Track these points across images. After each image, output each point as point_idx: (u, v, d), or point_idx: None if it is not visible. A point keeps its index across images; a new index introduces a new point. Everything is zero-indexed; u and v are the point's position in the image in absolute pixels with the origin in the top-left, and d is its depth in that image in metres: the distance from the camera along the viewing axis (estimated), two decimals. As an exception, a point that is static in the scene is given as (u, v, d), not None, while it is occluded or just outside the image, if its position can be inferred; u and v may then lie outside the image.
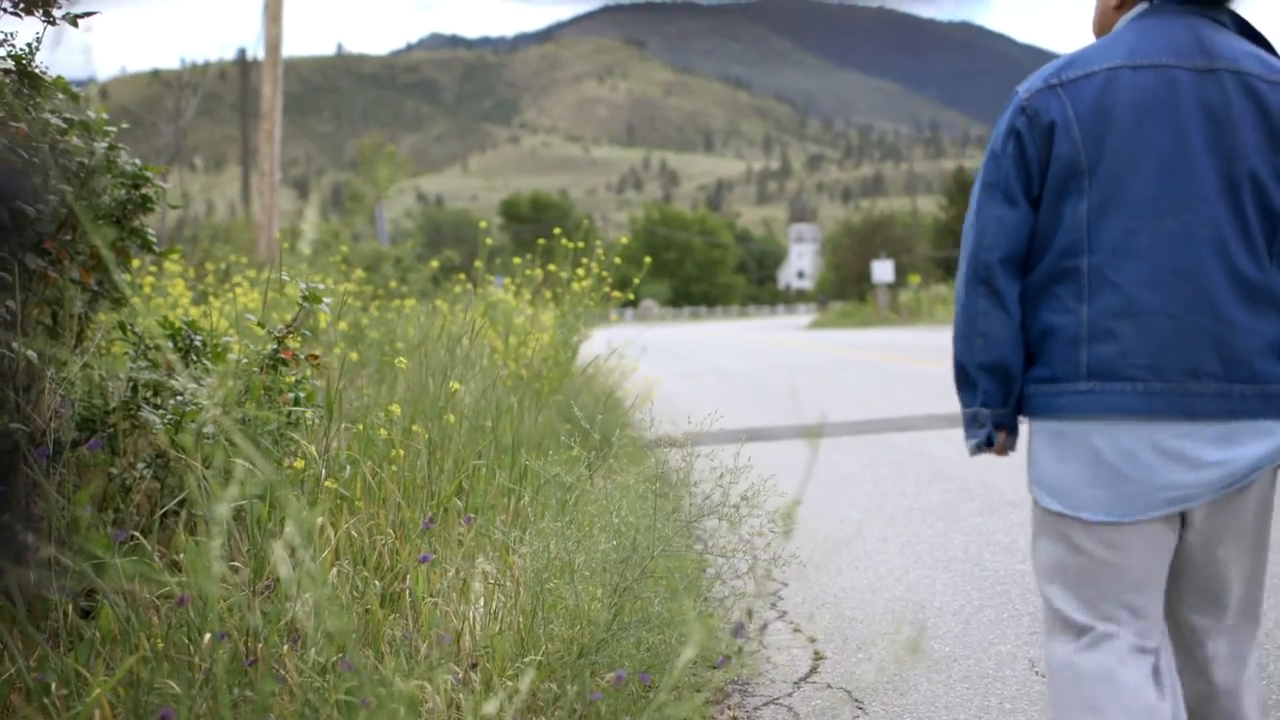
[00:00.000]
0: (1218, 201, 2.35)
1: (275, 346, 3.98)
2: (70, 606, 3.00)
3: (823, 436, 9.85)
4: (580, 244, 8.90)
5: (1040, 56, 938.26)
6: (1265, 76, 2.38)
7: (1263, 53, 2.44)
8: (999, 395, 2.49)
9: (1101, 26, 2.63)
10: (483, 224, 9.80)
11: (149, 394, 3.85)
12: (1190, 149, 2.36)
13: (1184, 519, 2.42)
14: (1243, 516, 2.42)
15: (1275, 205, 2.37)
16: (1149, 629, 2.43)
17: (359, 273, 11.61)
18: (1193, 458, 2.34)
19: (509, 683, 2.99)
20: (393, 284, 14.95)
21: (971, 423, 2.55)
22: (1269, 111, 2.36)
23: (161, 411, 3.75)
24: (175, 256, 4.97)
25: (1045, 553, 2.51)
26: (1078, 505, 2.41)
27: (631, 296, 9.45)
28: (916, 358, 22.62)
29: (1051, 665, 2.53)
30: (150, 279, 8.35)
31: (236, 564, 3.25)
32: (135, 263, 4.57)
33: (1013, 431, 2.54)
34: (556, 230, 9.04)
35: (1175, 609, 2.52)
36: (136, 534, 3.27)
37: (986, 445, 2.54)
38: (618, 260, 9.04)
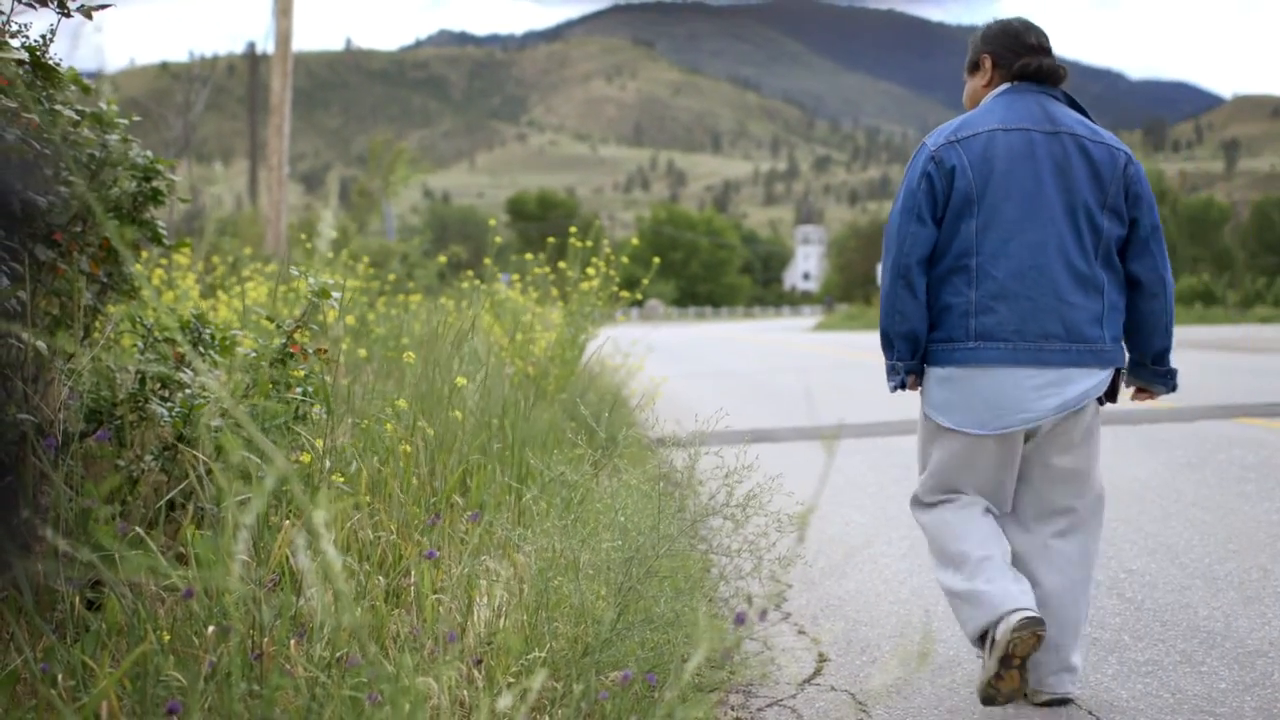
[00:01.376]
0: (1061, 221, 3.51)
1: (284, 341, 3.98)
2: (77, 598, 3.00)
3: (827, 439, 9.84)
4: (589, 243, 8.90)
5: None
6: (1090, 138, 3.58)
7: (1086, 120, 3.65)
8: (910, 352, 3.64)
9: (972, 100, 3.83)
10: (491, 221, 9.81)
11: (157, 386, 3.86)
12: (1043, 186, 3.51)
13: (1031, 435, 3.58)
14: (1072, 433, 3.59)
15: (1099, 224, 3.54)
16: (999, 505, 3.68)
17: (364, 268, 11.60)
18: (1042, 392, 3.49)
19: (515, 680, 2.99)
20: (392, 278, 14.94)
21: (891, 372, 3.69)
22: (1093, 161, 3.55)
23: (169, 404, 3.76)
24: (185, 250, 4.96)
25: (935, 455, 3.69)
26: (963, 423, 3.56)
27: (639, 296, 9.45)
28: (922, 361, 22.60)
29: (928, 524, 3.74)
30: (160, 272, 8.36)
31: (243, 557, 3.26)
32: (145, 255, 4.58)
33: (920, 377, 3.71)
34: (572, 230, 9.03)
35: (1026, 498, 3.68)
36: (141, 528, 3.27)
37: (901, 386, 3.69)
38: (625, 260, 9.02)
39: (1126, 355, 3.70)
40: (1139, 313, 3.67)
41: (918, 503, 3.81)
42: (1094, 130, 3.60)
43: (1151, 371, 3.79)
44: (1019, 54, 3.67)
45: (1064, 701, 3.54)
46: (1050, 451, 3.60)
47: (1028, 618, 3.31)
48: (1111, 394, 3.67)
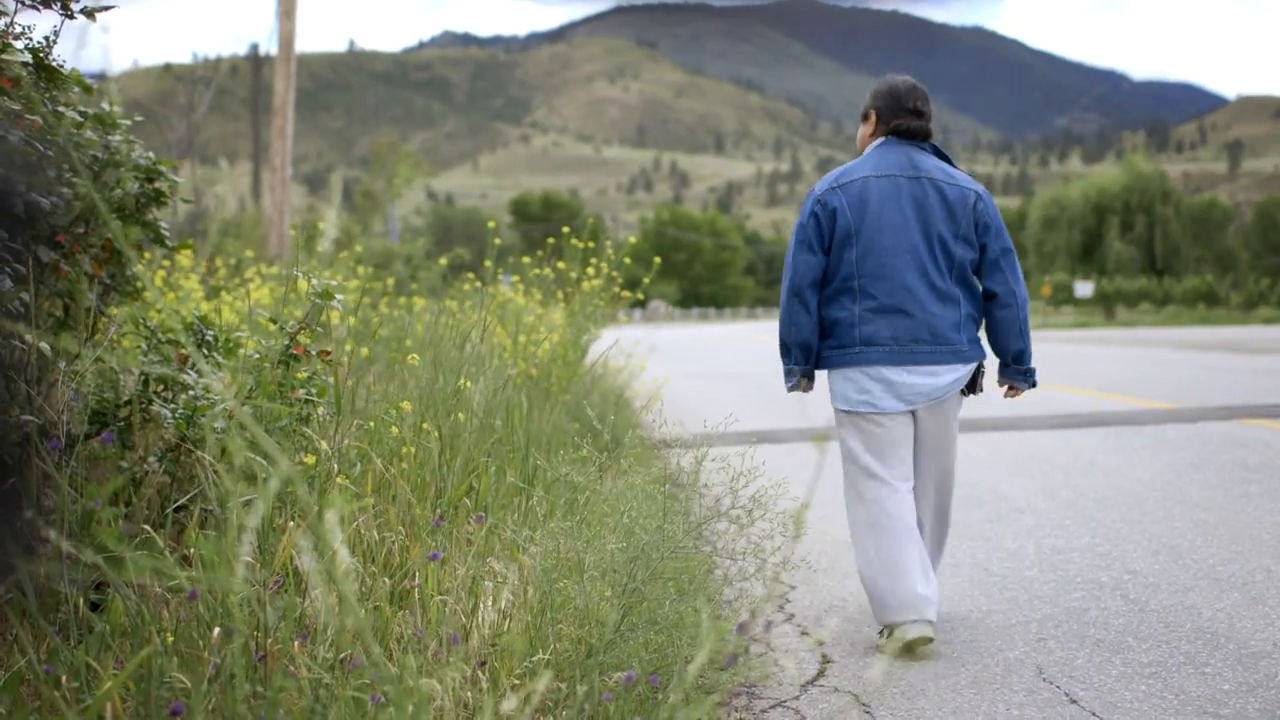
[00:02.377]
0: (922, 249, 4.31)
1: (288, 342, 3.98)
2: (81, 599, 3.00)
3: (831, 440, 9.83)
4: (590, 243, 8.89)
5: (1052, 62, 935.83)
6: (946, 181, 4.37)
7: (946, 165, 4.46)
8: (804, 358, 4.45)
9: (861, 144, 4.63)
10: (491, 224, 9.80)
11: (160, 388, 3.86)
12: (907, 221, 4.32)
13: (916, 416, 4.38)
14: (942, 414, 4.40)
15: (952, 250, 4.33)
16: (905, 474, 4.39)
17: (362, 270, 11.59)
18: (916, 383, 4.30)
19: (519, 681, 2.99)
20: (392, 280, 14.92)
21: (789, 374, 4.51)
22: (947, 200, 4.35)
23: (173, 406, 3.76)
24: (188, 251, 4.97)
25: (846, 436, 4.45)
26: (858, 406, 4.36)
27: (641, 297, 9.44)
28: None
29: (849, 498, 4.47)
30: (161, 273, 8.36)
31: (247, 559, 3.25)
32: (147, 256, 4.58)
33: (811, 380, 4.52)
34: (565, 229, 9.03)
35: (916, 465, 4.47)
36: (147, 528, 3.27)
37: (796, 388, 4.52)
38: (627, 260, 9.02)
39: (985, 352, 4.48)
40: (995, 320, 4.43)
41: (851, 490, 4.46)
42: (950, 175, 4.42)
43: (1013, 370, 4.54)
44: (896, 114, 4.49)
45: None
46: (927, 428, 4.43)
47: (925, 634, 4.13)
48: (971, 387, 4.46)
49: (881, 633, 4.30)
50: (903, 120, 4.48)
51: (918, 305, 4.28)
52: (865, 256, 4.32)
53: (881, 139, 4.51)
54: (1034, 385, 4.60)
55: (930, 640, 4.12)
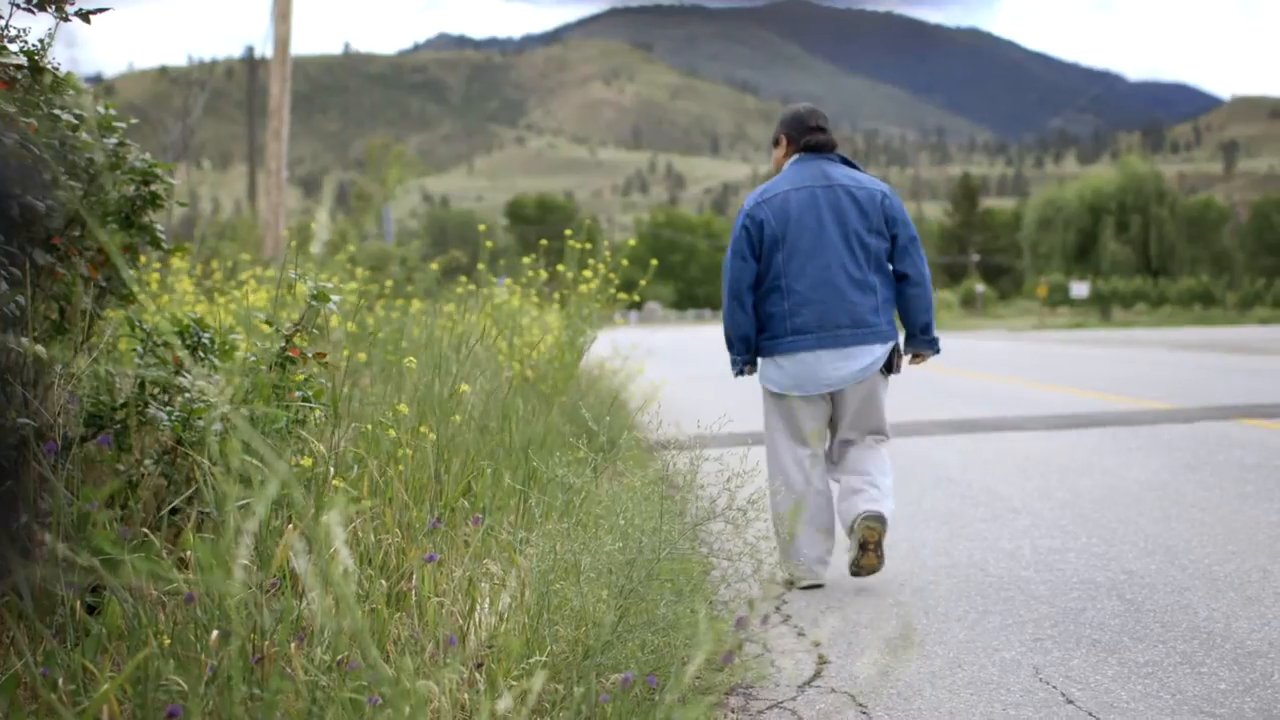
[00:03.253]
0: (840, 247, 5.06)
1: (283, 345, 3.98)
2: (77, 602, 3.00)
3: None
4: (586, 245, 8.89)
5: (1048, 63, 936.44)
6: (854, 186, 5.14)
7: (854, 171, 5.23)
8: (745, 349, 5.25)
9: (777, 165, 5.41)
10: (482, 227, 9.79)
11: (156, 391, 3.85)
12: (825, 226, 5.07)
13: (836, 396, 5.14)
14: (865, 392, 5.11)
15: (867, 243, 5.08)
16: (815, 446, 5.21)
17: (361, 271, 11.58)
18: (840, 366, 5.04)
19: (515, 683, 2.99)
20: (389, 283, 14.91)
21: (734, 363, 5.32)
22: (858, 201, 5.10)
23: (169, 409, 3.76)
24: (182, 254, 4.96)
25: (770, 411, 5.29)
26: (788, 389, 5.14)
27: (637, 299, 9.44)
28: (921, 363, 22.60)
29: (769, 461, 5.27)
30: (155, 275, 8.35)
31: (243, 561, 3.25)
32: (143, 260, 4.57)
33: (754, 365, 5.32)
34: (567, 232, 9.03)
35: (836, 435, 5.29)
36: (144, 530, 3.27)
37: (742, 372, 5.35)
38: (624, 261, 9.02)
39: (902, 334, 5.26)
40: (905, 298, 5.19)
41: (771, 455, 5.30)
42: (858, 179, 5.19)
43: (920, 340, 5.28)
44: (804, 133, 5.28)
45: (881, 519, 4.95)
46: (853, 403, 5.16)
47: (871, 513, 4.96)
48: (889, 367, 5.16)
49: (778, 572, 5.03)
50: (811, 136, 5.26)
51: (839, 295, 5.05)
52: (790, 258, 5.10)
53: (795, 156, 5.29)
54: (938, 352, 5.35)
55: (880, 517, 4.97)
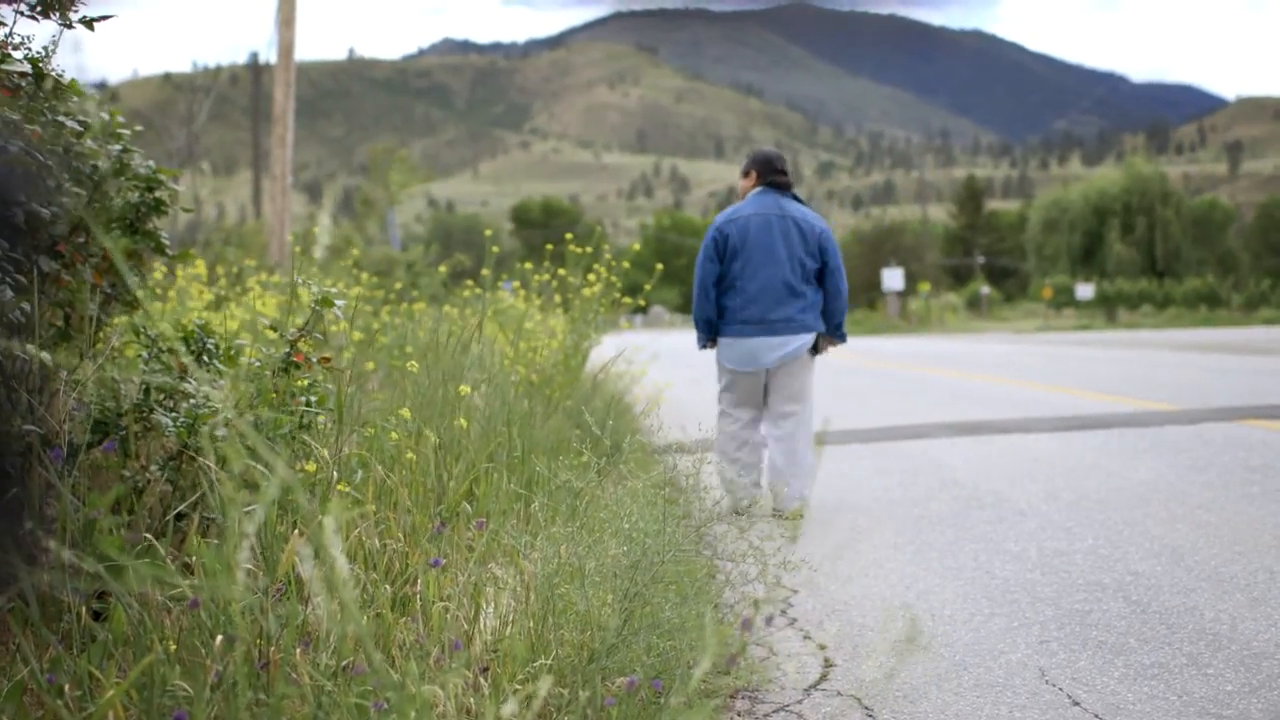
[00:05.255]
0: (785, 263, 6.77)
1: (288, 350, 3.98)
2: (83, 609, 3.00)
3: (833, 444, 9.83)
4: (589, 249, 8.91)
5: (1051, 64, 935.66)
6: (801, 220, 6.85)
7: (803, 208, 6.94)
8: (708, 330, 6.99)
9: (743, 192, 7.08)
10: (488, 232, 9.81)
11: (161, 397, 3.86)
12: (774, 245, 6.77)
13: (770, 371, 6.83)
14: (795, 369, 6.83)
15: (804, 263, 6.80)
16: (758, 414, 6.94)
17: (366, 277, 11.59)
18: (774, 349, 6.76)
19: (520, 687, 2.99)
20: (399, 286, 14.93)
21: (699, 339, 7.09)
22: (802, 231, 6.82)
23: (174, 414, 3.76)
24: (187, 260, 4.97)
25: (721, 380, 7.01)
26: (735, 365, 6.86)
27: (643, 303, 9.46)
28: (926, 365, 22.57)
29: (719, 418, 6.99)
30: (159, 275, 8.36)
31: (249, 567, 3.25)
32: (155, 270, 4.58)
33: (714, 342, 7.00)
34: (568, 236, 9.06)
35: (769, 406, 6.89)
36: (149, 536, 3.27)
37: (705, 347, 7.11)
38: (626, 265, 9.05)
39: (823, 326, 6.99)
40: (829, 306, 6.98)
41: (720, 409, 7.09)
42: (805, 215, 6.95)
43: (835, 333, 7.07)
44: (770, 173, 7.04)
45: (798, 515, 5.83)
46: (783, 380, 6.90)
47: (754, 502, 6.65)
48: (815, 350, 7.00)
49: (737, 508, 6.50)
50: (775, 176, 7.02)
51: (778, 298, 6.81)
52: (745, 266, 6.85)
53: (759, 189, 7.04)
54: (845, 341, 7.17)
55: (753, 503, 6.59)
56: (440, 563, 3.35)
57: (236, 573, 1.88)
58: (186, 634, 2.81)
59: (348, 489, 3.93)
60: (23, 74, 3.63)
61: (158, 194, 4.22)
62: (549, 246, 9.47)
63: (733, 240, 6.84)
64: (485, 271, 7.69)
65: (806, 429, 6.86)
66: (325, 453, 3.95)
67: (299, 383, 3.98)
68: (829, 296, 6.93)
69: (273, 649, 2.71)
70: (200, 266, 9.28)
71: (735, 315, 6.84)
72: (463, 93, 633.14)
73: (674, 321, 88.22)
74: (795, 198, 6.99)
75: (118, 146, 4.12)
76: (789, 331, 6.77)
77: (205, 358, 3.94)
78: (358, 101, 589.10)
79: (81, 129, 3.90)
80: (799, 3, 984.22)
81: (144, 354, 3.93)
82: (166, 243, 4.33)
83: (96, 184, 3.97)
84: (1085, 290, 63.54)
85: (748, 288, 6.78)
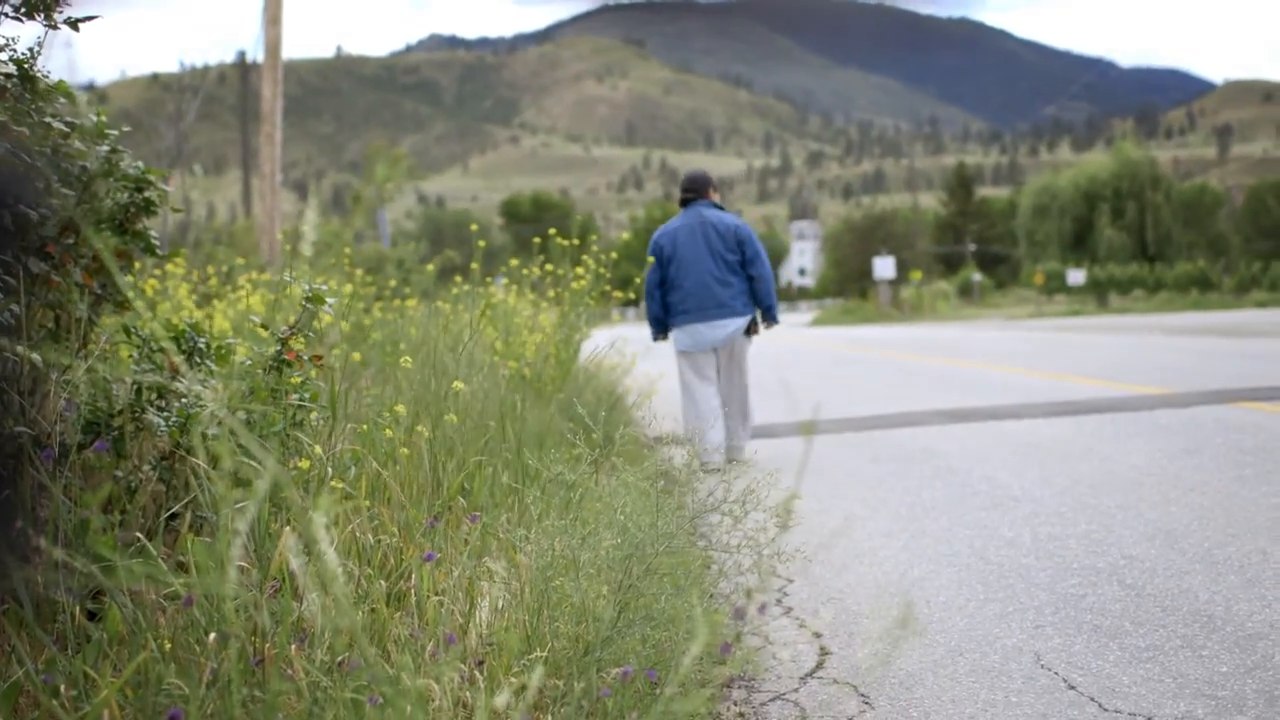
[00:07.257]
0: (709, 260, 8.48)
1: (279, 348, 3.98)
2: (77, 608, 3.00)
3: (827, 433, 9.85)
4: (576, 241, 9.01)
5: (1040, 51, 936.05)
6: (717, 223, 8.57)
7: (720, 213, 8.69)
8: (659, 326, 8.80)
9: (679, 207, 8.95)
10: (474, 227, 9.83)
11: (153, 397, 3.85)
12: (699, 247, 8.50)
13: (719, 350, 8.59)
14: (734, 349, 8.63)
15: (726, 258, 8.49)
16: (710, 382, 8.59)
17: (359, 274, 11.58)
18: (715, 331, 8.49)
19: (515, 679, 2.99)
20: (393, 282, 14.92)
21: (653, 334, 8.86)
22: (720, 232, 8.53)
23: (166, 414, 3.76)
24: (179, 260, 4.96)
25: (680, 362, 8.68)
26: (687, 348, 8.59)
27: (633, 295, 9.53)
28: (918, 353, 22.60)
29: (682, 394, 8.73)
30: (154, 282, 8.35)
31: (243, 564, 3.26)
32: (139, 266, 4.57)
33: (666, 335, 8.83)
34: (552, 230, 9.13)
35: (721, 377, 8.66)
36: (141, 535, 3.27)
37: (658, 340, 8.92)
38: (614, 255, 9.18)
39: (754, 310, 8.54)
40: (756, 291, 8.49)
41: (683, 390, 8.62)
42: (721, 218, 8.55)
43: (767, 315, 8.61)
44: (683, 193, 8.84)
45: (743, 463, 7.51)
46: (725, 355, 8.56)
47: (717, 466, 7.41)
48: (749, 331, 8.54)
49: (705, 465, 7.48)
50: (684, 194, 8.81)
51: (708, 290, 8.39)
52: (679, 268, 8.47)
53: (685, 205, 8.78)
54: (778, 322, 8.74)
55: (718, 469, 7.01)
56: (434, 557, 3.35)
57: (230, 570, 1.88)
58: (181, 632, 2.81)
59: (341, 484, 3.93)
60: (8, 75, 3.62)
61: (147, 194, 4.21)
62: (536, 240, 9.48)
63: (666, 250, 8.52)
64: (475, 266, 7.71)
65: (748, 392, 8.66)
66: (319, 449, 3.95)
67: (291, 380, 3.98)
68: (754, 283, 8.45)
69: (267, 645, 2.71)
70: (179, 265, 9.25)
71: (678, 308, 8.48)
72: (451, 88, 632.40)
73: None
74: (715, 205, 8.70)
75: (106, 147, 4.11)
76: (722, 316, 8.38)
77: (196, 357, 3.94)
78: (346, 99, 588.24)
79: (69, 130, 3.89)
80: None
81: (135, 354, 3.93)
82: (157, 242, 4.32)
83: (85, 185, 3.97)
84: (1076, 276, 63.62)
85: (684, 284, 8.42)
